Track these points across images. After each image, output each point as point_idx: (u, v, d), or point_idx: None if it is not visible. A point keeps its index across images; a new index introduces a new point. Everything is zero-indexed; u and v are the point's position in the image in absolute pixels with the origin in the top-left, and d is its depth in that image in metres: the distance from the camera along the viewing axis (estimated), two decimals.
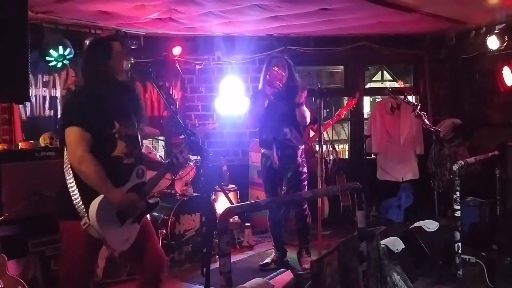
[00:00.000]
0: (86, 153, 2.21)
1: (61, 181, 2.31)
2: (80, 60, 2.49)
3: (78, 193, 2.23)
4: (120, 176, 2.31)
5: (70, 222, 2.28)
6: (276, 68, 3.85)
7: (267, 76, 3.90)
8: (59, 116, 4.51)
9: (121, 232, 2.33)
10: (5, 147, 3.80)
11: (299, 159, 3.96)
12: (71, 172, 2.26)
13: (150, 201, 2.51)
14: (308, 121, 3.92)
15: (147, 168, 2.53)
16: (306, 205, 4.03)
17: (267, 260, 4.18)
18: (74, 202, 2.23)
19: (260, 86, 4.06)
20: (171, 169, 2.60)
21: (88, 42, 2.59)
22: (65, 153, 2.30)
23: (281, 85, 3.84)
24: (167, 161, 2.64)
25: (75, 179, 2.25)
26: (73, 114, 2.27)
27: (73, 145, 2.22)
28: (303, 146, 4.03)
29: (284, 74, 3.89)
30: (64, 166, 2.30)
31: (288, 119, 3.90)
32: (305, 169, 4.00)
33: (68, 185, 2.26)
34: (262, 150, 4.10)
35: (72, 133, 2.23)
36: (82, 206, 2.22)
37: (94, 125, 2.25)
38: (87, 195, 2.23)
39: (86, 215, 2.21)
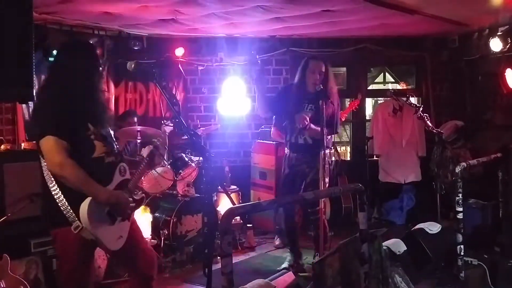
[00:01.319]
0: (65, 159, 2.20)
1: (44, 191, 2.30)
2: (56, 63, 2.44)
3: (64, 199, 2.23)
4: (104, 176, 2.32)
5: (61, 229, 2.28)
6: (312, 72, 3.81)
7: (302, 77, 3.85)
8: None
9: (113, 230, 2.35)
10: (8, 147, 3.82)
11: (319, 164, 3.79)
12: (53, 179, 2.25)
13: (136, 197, 2.52)
14: (319, 137, 3.70)
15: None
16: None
17: (285, 265, 4.08)
18: (62, 208, 2.22)
19: (295, 81, 3.98)
20: (151, 165, 2.63)
21: (67, 44, 2.55)
22: (43, 163, 2.29)
23: (314, 88, 3.78)
24: (146, 157, 2.66)
25: (58, 186, 2.24)
26: (46, 123, 2.25)
27: (51, 154, 2.21)
28: (327, 151, 3.81)
29: (318, 79, 3.81)
30: (45, 175, 2.29)
31: (312, 123, 3.80)
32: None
33: (53, 193, 2.25)
34: (286, 150, 4.07)
35: (48, 143, 2.22)
36: (71, 211, 2.22)
37: (69, 130, 2.24)
38: (74, 199, 2.22)
39: (76, 219, 2.21)
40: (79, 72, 2.35)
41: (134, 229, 2.54)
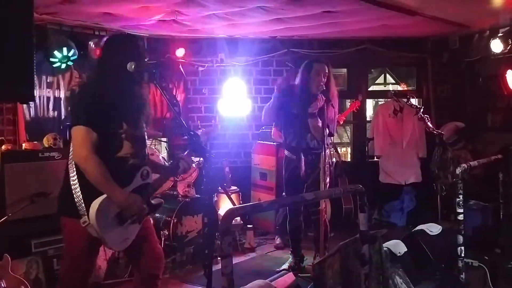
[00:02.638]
0: (91, 153, 2.21)
1: (65, 178, 2.33)
2: (101, 58, 2.43)
3: (80, 191, 2.24)
4: (124, 176, 2.32)
5: (71, 219, 2.29)
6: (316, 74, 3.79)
7: (305, 79, 3.83)
8: (63, 117, 4.53)
9: (120, 232, 2.34)
10: (9, 147, 3.82)
11: (321, 165, 3.80)
12: (74, 169, 2.27)
13: (153, 202, 2.52)
14: (320, 137, 3.75)
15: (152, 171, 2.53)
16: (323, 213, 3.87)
17: (284, 266, 4.09)
18: (76, 200, 2.24)
19: (297, 83, 3.95)
20: (175, 173, 2.59)
21: (112, 39, 2.50)
22: (70, 150, 2.31)
23: (318, 90, 3.76)
24: (171, 164, 2.64)
25: (78, 177, 2.25)
26: (80, 113, 2.27)
27: (79, 145, 2.23)
28: (327, 151, 3.81)
29: (323, 81, 3.79)
30: (69, 163, 2.31)
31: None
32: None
33: (71, 182, 2.26)
34: (286, 152, 4.07)
35: (78, 132, 2.23)
36: (83, 205, 2.23)
37: (102, 125, 2.25)
38: (89, 193, 2.24)
39: (86, 213, 2.22)
40: (122, 68, 2.31)
41: (146, 228, 2.52)
